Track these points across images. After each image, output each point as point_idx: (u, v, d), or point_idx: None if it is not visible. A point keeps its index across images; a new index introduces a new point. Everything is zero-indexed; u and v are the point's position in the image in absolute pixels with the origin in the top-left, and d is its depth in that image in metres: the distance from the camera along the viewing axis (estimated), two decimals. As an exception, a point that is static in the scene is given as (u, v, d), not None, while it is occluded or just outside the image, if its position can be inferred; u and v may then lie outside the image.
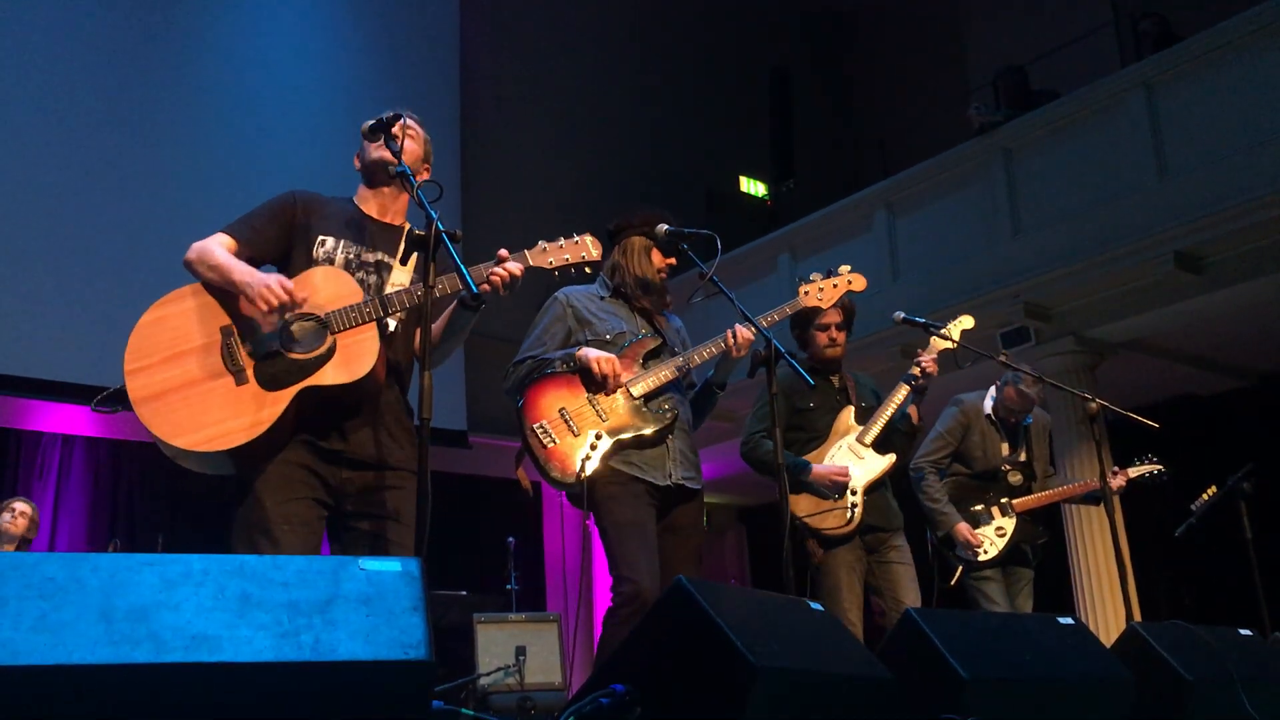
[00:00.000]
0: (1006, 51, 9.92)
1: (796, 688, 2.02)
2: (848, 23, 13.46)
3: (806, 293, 3.56)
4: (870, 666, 2.31)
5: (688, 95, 12.13)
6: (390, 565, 1.67)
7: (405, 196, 2.88)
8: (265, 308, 2.52)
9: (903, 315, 4.01)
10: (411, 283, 2.76)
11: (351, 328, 2.59)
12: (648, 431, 3.18)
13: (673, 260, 3.38)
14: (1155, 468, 4.84)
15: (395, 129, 2.64)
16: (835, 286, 3.57)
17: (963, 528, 4.63)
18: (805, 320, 4.01)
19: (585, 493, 3.09)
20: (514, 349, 3.39)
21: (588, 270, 2.87)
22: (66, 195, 7.67)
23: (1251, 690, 3.02)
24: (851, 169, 12.19)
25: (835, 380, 4.10)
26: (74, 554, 1.66)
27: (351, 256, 2.76)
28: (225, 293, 2.60)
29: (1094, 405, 4.07)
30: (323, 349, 2.56)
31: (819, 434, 4.01)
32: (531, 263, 2.77)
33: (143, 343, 2.54)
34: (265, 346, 2.57)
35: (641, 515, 3.12)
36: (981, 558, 4.64)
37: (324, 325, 2.58)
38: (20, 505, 5.58)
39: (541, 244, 2.80)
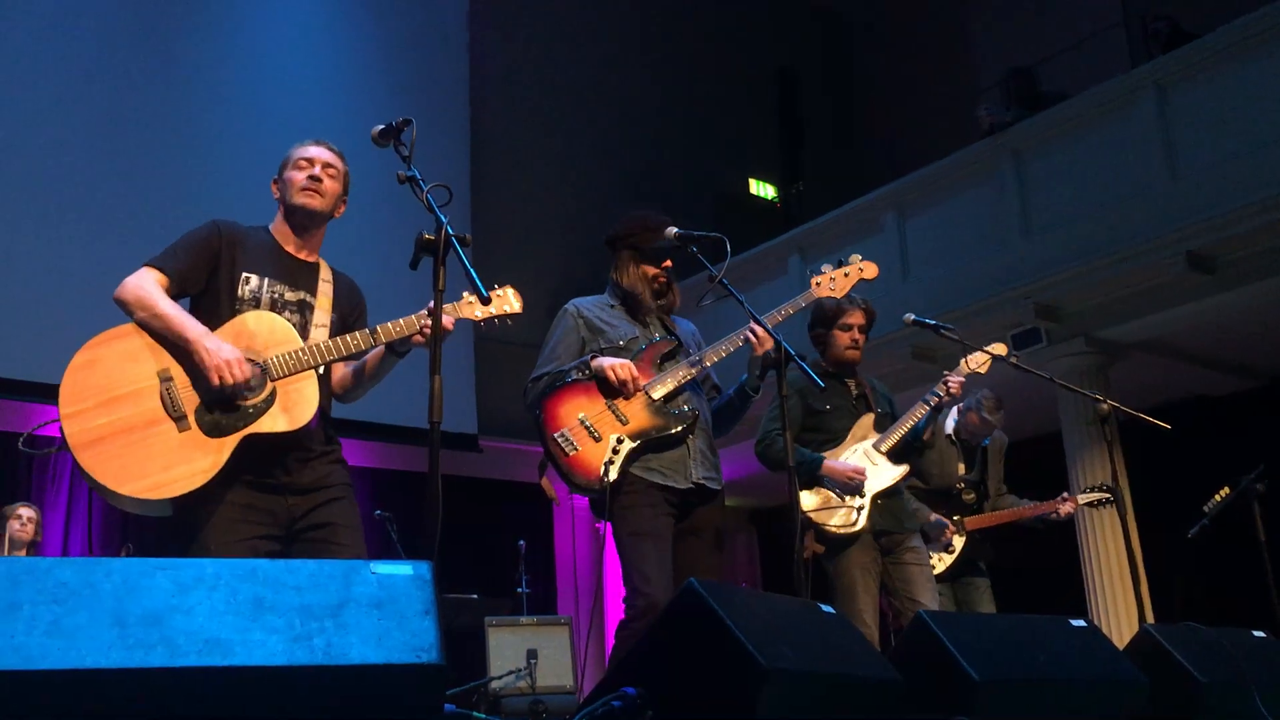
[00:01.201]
0: (1015, 52, 9.90)
1: (807, 690, 2.02)
2: (855, 24, 13.44)
3: (818, 284, 3.53)
4: (881, 669, 2.31)
5: (697, 98, 12.13)
6: (402, 569, 1.67)
7: (321, 233, 2.91)
8: (227, 382, 2.52)
9: (913, 317, 3.99)
10: (331, 323, 2.80)
11: (291, 374, 2.63)
12: (670, 431, 3.17)
13: (668, 263, 3.36)
14: (1104, 495, 4.85)
15: (400, 133, 2.63)
16: (847, 276, 3.54)
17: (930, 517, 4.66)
18: (829, 319, 3.95)
19: (609, 498, 3.07)
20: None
21: (509, 323, 2.92)
22: (68, 197, 7.67)
23: (1265, 692, 3.00)
24: (861, 170, 12.17)
25: (852, 385, 4.04)
26: (87, 559, 1.66)
27: (276, 296, 2.77)
28: (162, 335, 2.59)
29: (1105, 406, 4.06)
30: (264, 395, 2.60)
31: (836, 436, 3.97)
32: (460, 314, 2.80)
33: (76, 386, 2.50)
34: (206, 393, 2.56)
35: (658, 525, 3.11)
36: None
37: (264, 371, 2.61)
38: (26, 511, 5.60)
39: (467, 295, 2.80)
